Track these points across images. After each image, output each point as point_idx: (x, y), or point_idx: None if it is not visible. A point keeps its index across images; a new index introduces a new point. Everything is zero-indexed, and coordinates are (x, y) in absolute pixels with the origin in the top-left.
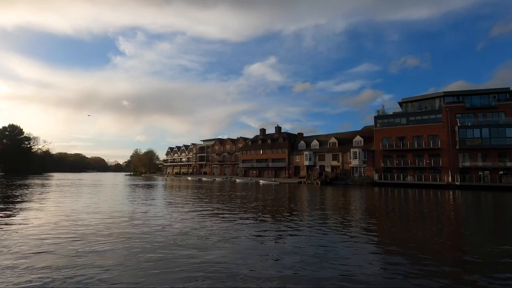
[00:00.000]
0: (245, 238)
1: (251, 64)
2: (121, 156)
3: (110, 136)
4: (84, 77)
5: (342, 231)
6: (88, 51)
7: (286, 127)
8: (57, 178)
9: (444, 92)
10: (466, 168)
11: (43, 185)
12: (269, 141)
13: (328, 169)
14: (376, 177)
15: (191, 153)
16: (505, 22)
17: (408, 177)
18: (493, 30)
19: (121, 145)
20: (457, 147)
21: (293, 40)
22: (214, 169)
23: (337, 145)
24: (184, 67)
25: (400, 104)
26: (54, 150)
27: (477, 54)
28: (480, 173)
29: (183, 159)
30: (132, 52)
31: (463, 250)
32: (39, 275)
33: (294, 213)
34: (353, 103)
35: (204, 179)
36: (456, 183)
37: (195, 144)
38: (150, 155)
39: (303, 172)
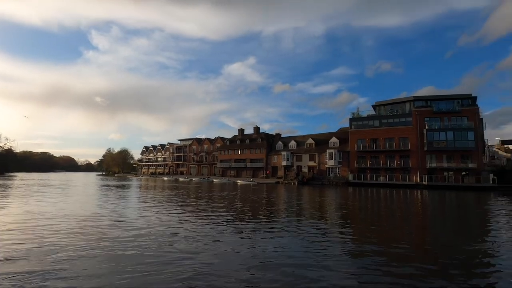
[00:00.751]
0: (229, 239)
1: (230, 64)
2: (93, 155)
3: (80, 134)
4: (53, 71)
5: (317, 228)
6: (57, 44)
7: (265, 128)
8: (21, 178)
9: (414, 96)
10: (433, 169)
11: (5, 186)
12: (247, 141)
13: (305, 170)
14: (350, 177)
15: (167, 153)
16: (470, 32)
17: (380, 177)
18: (460, 40)
19: (93, 143)
20: (425, 149)
21: (273, 41)
22: (191, 169)
23: (314, 146)
24: (162, 65)
25: (374, 107)
26: (18, 149)
27: (446, 62)
28: (445, 173)
29: (159, 159)
30: (106, 47)
31: (425, 245)
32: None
33: (273, 213)
34: (330, 105)
35: (180, 179)
36: (424, 183)
37: (171, 143)
38: (124, 154)
39: (280, 173)
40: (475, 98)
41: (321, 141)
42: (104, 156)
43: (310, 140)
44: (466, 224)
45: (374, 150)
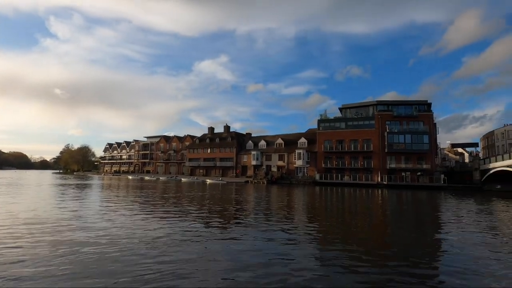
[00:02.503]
0: (196, 242)
1: (201, 61)
2: (49, 151)
3: (35, 129)
4: (3, 59)
5: (284, 225)
6: (10, 29)
7: (236, 127)
8: None
9: (377, 101)
10: (392, 169)
11: None
12: (217, 140)
13: (274, 169)
14: (317, 176)
15: (133, 150)
16: (431, 43)
17: (345, 177)
18: (422, 50)
19: (49, 139)
20: (386, 150)
21: (245, 40)
22: (158, 168)
23: (283, 146)
24: (128, 58)
25: (340, 109)
26: None
27: (408, 69)
28: (403, 173)
29: (124, 157)
30: (67, 35)
31: (383, 240)
32: None
33: (241, 212)
34: (301, 106)
35: (147, 178)
36: (384, 182)
37: (137, 140)
38: (85, 151)
39: (250, 172)
40: (430, 105)
41: (290, 141)
42: (61, 153)
43: (279, 140)
44: (421, 219)
45: (340, 151)
